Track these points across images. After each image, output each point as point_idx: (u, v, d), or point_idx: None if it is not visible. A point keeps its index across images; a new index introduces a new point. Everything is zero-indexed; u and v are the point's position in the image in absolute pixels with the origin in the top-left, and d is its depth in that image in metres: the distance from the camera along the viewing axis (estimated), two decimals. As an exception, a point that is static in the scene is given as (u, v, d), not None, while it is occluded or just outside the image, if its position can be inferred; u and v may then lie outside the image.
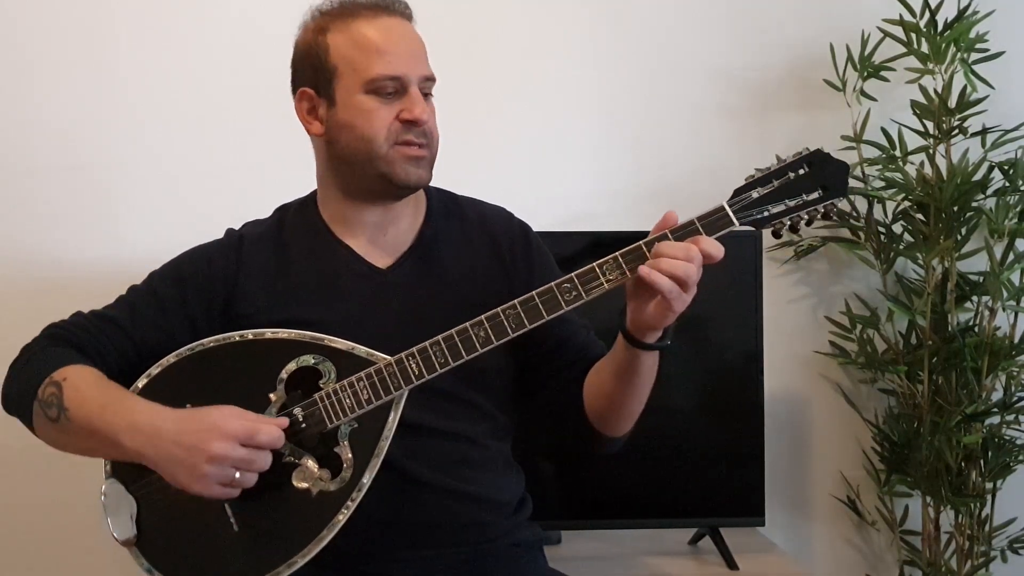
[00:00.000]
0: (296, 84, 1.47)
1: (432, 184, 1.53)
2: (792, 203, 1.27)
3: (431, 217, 1.51)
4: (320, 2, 1.46)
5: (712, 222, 1.26)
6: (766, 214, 1.27)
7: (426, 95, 1.42)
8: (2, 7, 2.13)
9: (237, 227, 1.53)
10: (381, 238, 1.47)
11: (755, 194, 1.27)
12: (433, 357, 1.29)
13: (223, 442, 1.24)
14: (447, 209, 1.53)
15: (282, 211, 1.54)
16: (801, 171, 1.27)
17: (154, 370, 1.38)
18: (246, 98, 2.14)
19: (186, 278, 1.46)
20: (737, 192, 1.28)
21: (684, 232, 1.26)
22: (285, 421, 1.30)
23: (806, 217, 1.28)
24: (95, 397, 1.32)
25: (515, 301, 1.29)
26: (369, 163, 1.39)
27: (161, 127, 2.16)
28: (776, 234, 1.29)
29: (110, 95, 2.15)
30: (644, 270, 1.23)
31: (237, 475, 1.25)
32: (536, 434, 1.61)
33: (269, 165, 2.10)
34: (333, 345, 1.33)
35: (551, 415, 1.52)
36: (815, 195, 1.26)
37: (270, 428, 1.27)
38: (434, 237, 1.49)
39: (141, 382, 1.37)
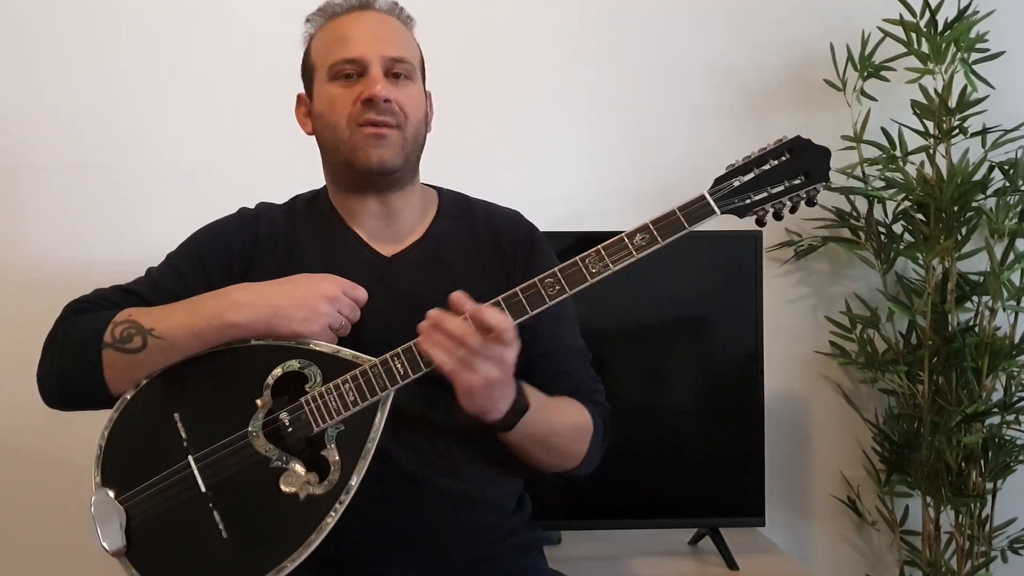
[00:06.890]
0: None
1: (437, 184, 1.55)
2: (774, 190, 1.28)
3: (440, 217, 1.51)
4: (309, 12, 1.50)
5: (693, 211, 1.27)
6: (748, 201, 1.27)
7: (403, 76, 1.41)
8: (10, 4, 2.14)
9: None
10: (386, 230, 1.48)
11: (736, 182, 1.27)
12: (418, 357, 1.27)
13: (334, 284, 1.34)
14: (458, 210, 1.53)
15: (294, 200, 1.56)
16: (782, 158, 1.28)
17: (142, 380, 1.35)
18: (256, 95, 2.14)
19: (205, 252, 1.46)
20: (718, 181, 1.28)
21: (666, 223, 1.26)
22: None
23: (789, 204, 1.28)
24: (172, 308, 1.34)
25: (498, 297, 1.27)
26: (336, 150, 1.42)
27: (169, 125, 2.17)
28: (759, 222, 1.30)
29: (118, 93, 2.16)
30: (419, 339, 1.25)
31: (343, 320, 1.33)
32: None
33: (279, 162, 2.08)
34: (318, 349, 1.32)
35: None
36: (797, 181, 1.27)
37: (361, 287, 1.35)
38: (442, 234, 1.50)
39: (129, 394, 1.34)
